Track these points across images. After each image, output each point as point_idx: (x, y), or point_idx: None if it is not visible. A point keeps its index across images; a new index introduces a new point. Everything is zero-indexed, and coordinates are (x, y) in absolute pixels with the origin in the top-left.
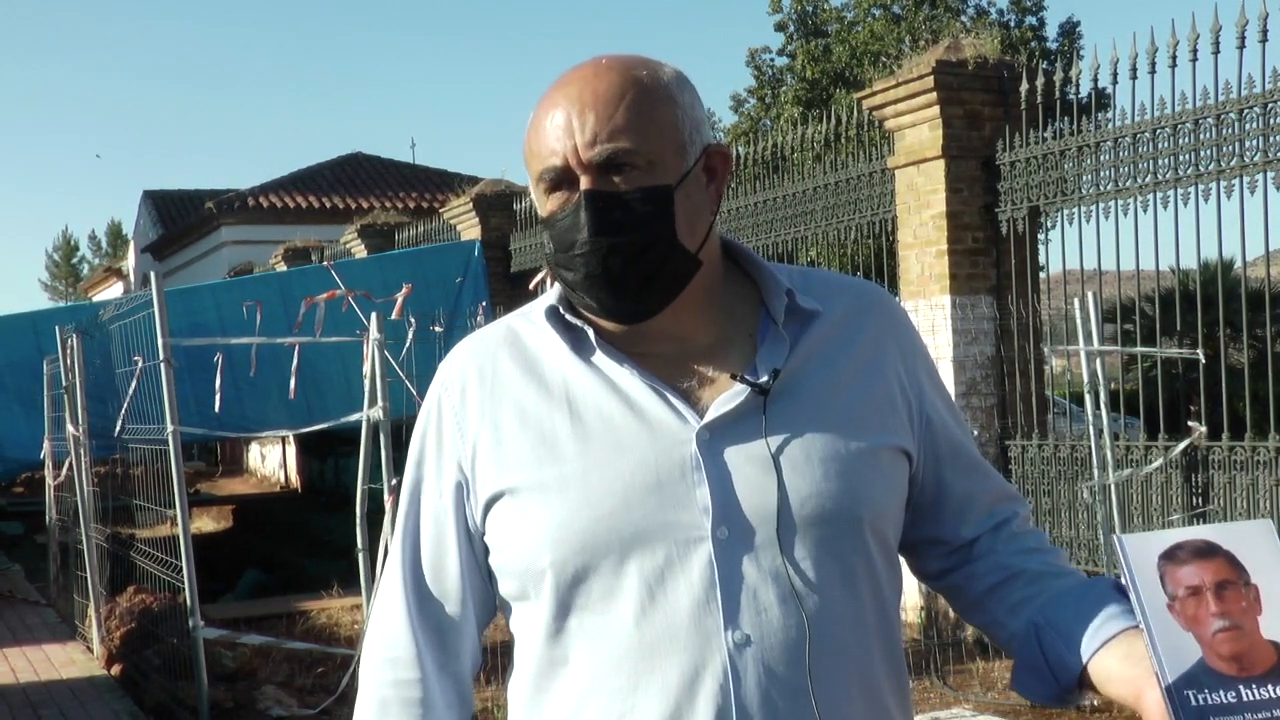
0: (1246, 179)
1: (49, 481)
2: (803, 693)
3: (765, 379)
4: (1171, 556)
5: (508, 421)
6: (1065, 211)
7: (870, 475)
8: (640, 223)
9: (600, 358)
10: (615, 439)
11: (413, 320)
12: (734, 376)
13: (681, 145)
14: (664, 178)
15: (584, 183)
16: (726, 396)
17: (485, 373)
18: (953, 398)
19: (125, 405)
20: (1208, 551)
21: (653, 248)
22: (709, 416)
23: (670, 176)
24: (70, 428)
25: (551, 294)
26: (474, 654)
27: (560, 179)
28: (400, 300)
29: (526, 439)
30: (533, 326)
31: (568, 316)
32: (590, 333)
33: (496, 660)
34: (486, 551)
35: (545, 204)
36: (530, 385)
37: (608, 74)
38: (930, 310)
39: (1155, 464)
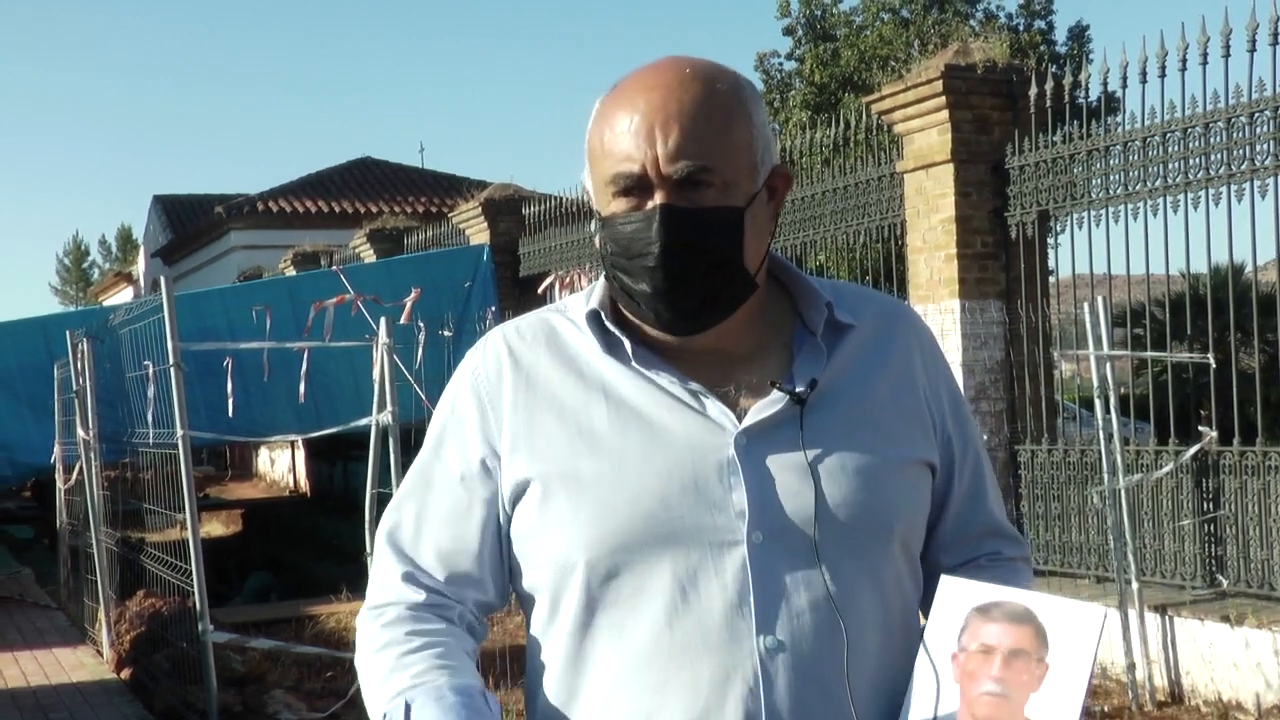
0: (1257, 183)
1: (59, 485)
2: (834, 699)
3: (803, 388)
4: (985, 611)
5: (543, 410)
6: (1075, 215)
7: (901, 487)
8: (712, 242)
9: (638, 362)
10: (652, 437)
11: (422, 325)
12: (773, 384)
13: (754, 166)
14: (736, 199)
15: (660, 196)
16: (764, 403)
17: (522, 359)
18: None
19: (150, 410)
20: (1021, 618)
21: (720, 268)
22: (747, 422)
23: (742, 198)
24: (80, 432)
25: (591, 295)
26: (498, 592)
27: (633, 185)
28: (409, 305)
29: (563, 429)
30: (570, 324)
31: (608, 324)
32: (627, 344)
33: (506, 665)
34: (510, 541)
35: (608, 203)
36: (568, 377)
37: (693, 85)
38: (939, 314)
39: (1166, 469)
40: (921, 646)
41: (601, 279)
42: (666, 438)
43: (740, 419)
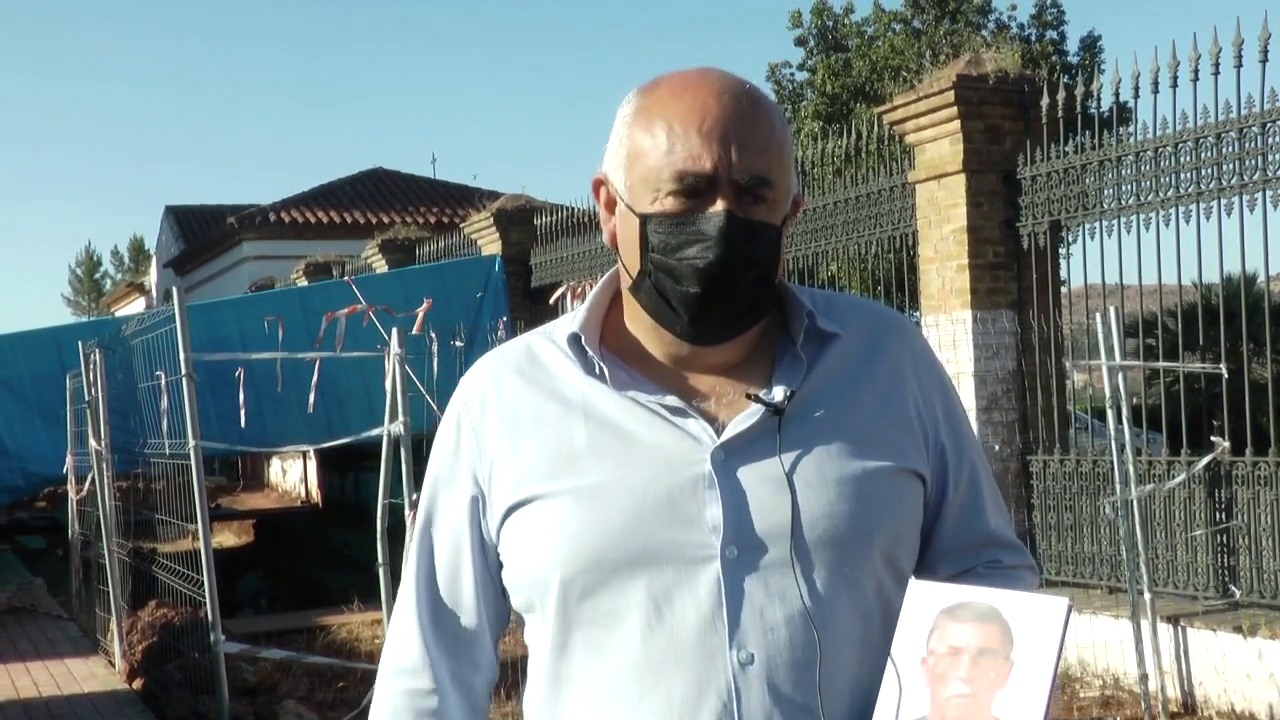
0: (1269, 193)
1: (71, 496)
2: (809, 712)
3: (780, 399)
4: (952, 612)
5: (526, 435)
6: (1086, 225)
7: (884, 498)
8: (761, 255)
9: (614, 385)
10: (630, 455)
11: (433, 335)
12: (749, 396)
13: (789, 189)
14: (778, 217)
15: (725, 201)
16: (742, 416)
17: (505, 387)
18: (972, 417)
19: (163, 421)
20: (988, 616)
21: (759, 283)
22: (724, 436)
23: (779, 216)
24: (92, 442)
25: (575, 317)
26: (489, 666)
27: (699, 185)
28: (421, 315)
29: (544, 452)
30: (553, 346)
31: (588, 349)
32: (605, 369)
33: (518, 675)
34: (501, 566)
35: (654, 200)
36: (549, 400)
37: (758, 100)
38: (951, 325)
39: (1178, 479)
40: (890, 652)
41: (587, 301)
42: (644, 455)
43: (720, 432)
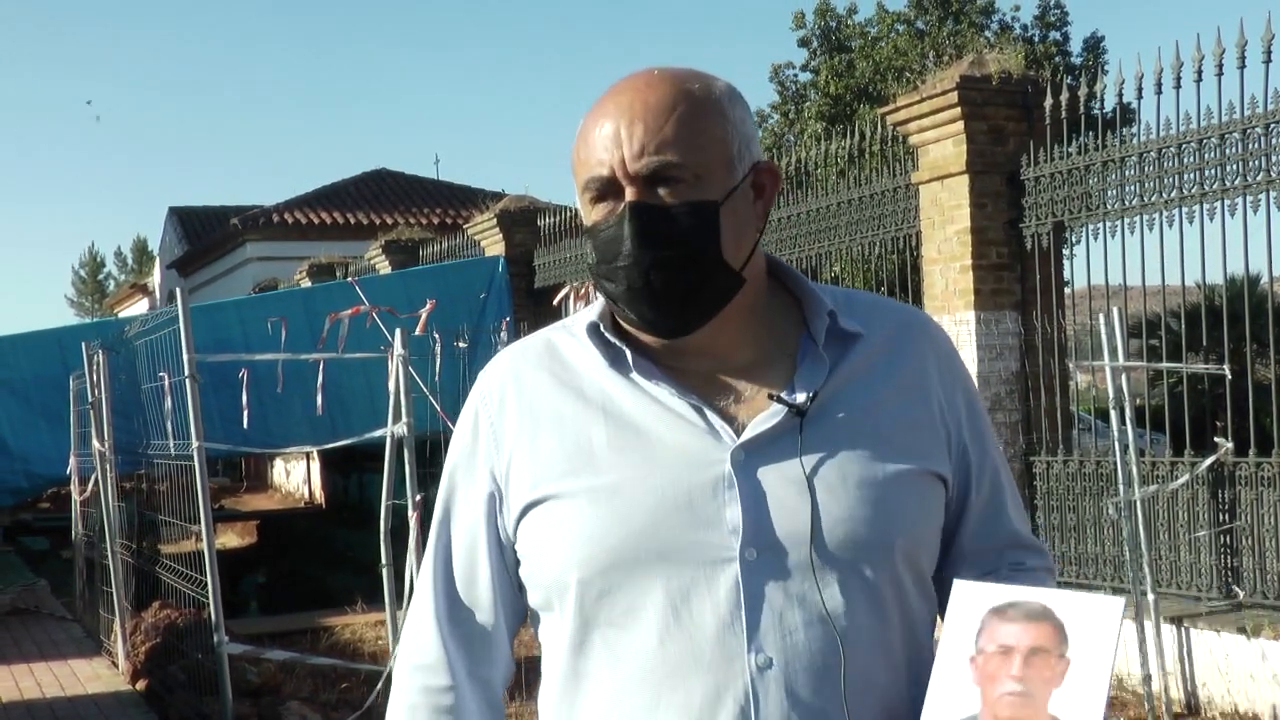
0: (1273, 193)
1: (75, 497)
2: (826, 716)
3: (802, 400)
4: (1001, 612)
5: (545, 432)
6: (1090, 226)
7: (906, 501)
8: (685, 237)
9: (638, 374)
10: (649, 454)
11: (437, 336)
12: (771, 396)
13: (730, 160)
14: (711, 193)
15: (629, 194)
16: (763, 416)
17: (524, 383)
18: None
19: (168, 422)
20: (1039, 615)
21: (697, 263)
22: (745, 436)
23: (717, 192)
24: (96, 443)
25: (594, 309)
26: (505, 662)
27: (606, 190)
28: (424, 316)
29: (563, 449)
30: (573, 340)
31: (608, 335)
32: (628, 353)
33: (523, 675)
34: (518, 563)
35: (590, 214)
36: (568, 396)
37: (659, 85)
38: (955, 326)
39: (1181, 480)
40: (937, 652)
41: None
42: (663, 454)
43: (740, 432)
